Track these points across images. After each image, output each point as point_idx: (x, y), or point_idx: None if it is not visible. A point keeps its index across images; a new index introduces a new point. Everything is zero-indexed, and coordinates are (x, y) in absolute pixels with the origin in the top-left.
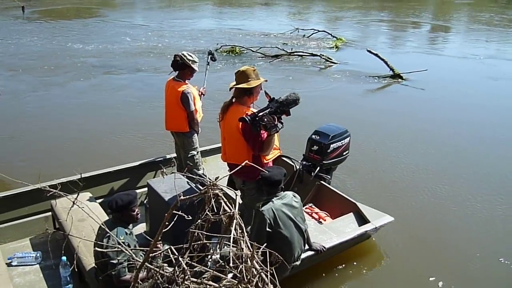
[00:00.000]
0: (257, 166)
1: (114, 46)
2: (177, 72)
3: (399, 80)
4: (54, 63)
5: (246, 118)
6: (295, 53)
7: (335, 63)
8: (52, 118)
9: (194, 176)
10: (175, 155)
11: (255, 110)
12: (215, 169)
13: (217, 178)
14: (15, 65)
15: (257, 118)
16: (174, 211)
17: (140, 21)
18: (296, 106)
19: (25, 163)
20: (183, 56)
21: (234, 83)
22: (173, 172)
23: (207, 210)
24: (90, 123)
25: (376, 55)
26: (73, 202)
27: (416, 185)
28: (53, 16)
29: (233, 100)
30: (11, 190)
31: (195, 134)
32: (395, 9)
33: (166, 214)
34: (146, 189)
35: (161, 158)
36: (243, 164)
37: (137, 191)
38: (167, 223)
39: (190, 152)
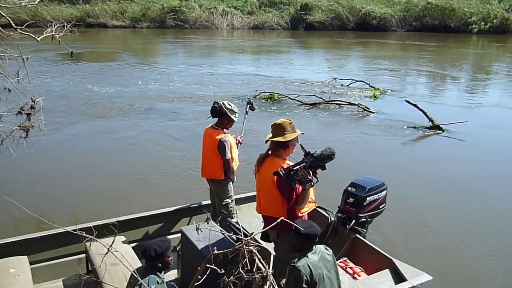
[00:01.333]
0: (291, 222)
1: (154, 90)
2: (215, 119)
3: (438, 131)
4: (94, 104)
5: (281, 172)
6: (333, 102)
7: (373, 112)
8: (90, 160)
9: (228, 225)
10: (209, 202)
11: (290, 164)
12: (250, 218)
13: (252, 234)
14: (59, 106)
15: (292, 172)
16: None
17: (180, 67)
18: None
19: (62, 204)
20: (222, 105)
21: (270, 135)
22: (207, 220)
23: (240, 267)
24: (128, 166)
25: (415, 105)
26: (108, 249)
27: (456, 241)
28: (98, 60)
29: (269, 153)
30: (47, 230)
31: (231, 183)
32: (434, 59)
33: (199, 268)
34: (179, 235)
35: (196, 205)
36: (278, 221)
37: (170, 237)
38: (199, 276)
39: (225, 200)
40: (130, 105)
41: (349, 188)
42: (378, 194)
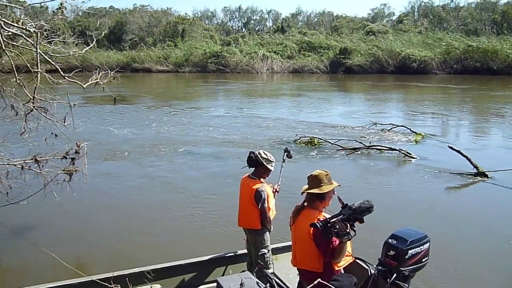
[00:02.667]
0: (328, 284)
1: (194, 134)
2: (252, 169)
3: (484, 178)
4: (135, 148)
5: (318, 224)
6: (374, 147)
7: (414, 158)
8: (129, 204)
9: (265, 276)
10: (245, 251)
11: (327, 216)
12: (287, 269)
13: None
14: (102, 150)
15: (329, 225)
16: None
17: (220, 111)
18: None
19: (98, 249)
20: (258, 155)
21: (306, 187)
22: (243, 271)
23: None
24: (165, 211)
25: (458, 151)
26: None
27: None
28: (142, 104)
29: (305, 204)
30: (82, 278)
31: (267, 232)
32: (476, 102)
33: None
34: (214, 284)
35: (232, 254)
36: (315, 282)
37: (205, 286)
38: None
39: (261, 250)
40: (170, 149)
41: (390, 240)
42: (421, 247)
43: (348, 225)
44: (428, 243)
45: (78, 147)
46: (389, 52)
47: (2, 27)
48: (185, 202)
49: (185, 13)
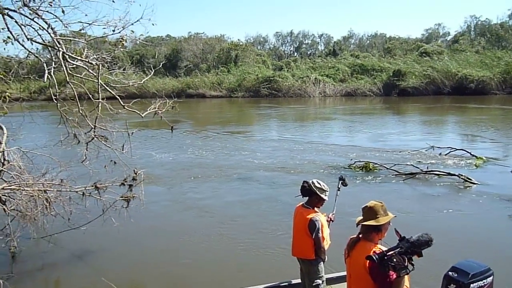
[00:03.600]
0: None
1: (247, 159)
2: (306, 198)
3: None
4: (191, 174)
5: (374, 257)
6: (431, 172)
7: (475, 183)
8: (185, 231)
9: None
10: (299, 281)
11: (384, 248)
12: None
13: None
14: (159, 176)
15: (385, 258)
16: None
17: (273, 135)
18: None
19: (153, 276)
20: (311, 184)
21: (361, 218)
22: None
23: None
24: (218, 239)
25: None
26: None
27: None
28: (196, 129)
29: (360, 236)
30: None
31: (322, 262)
32: None
33: None
34: None
35: (286, 284)
36: None
37: None
38: None
39: (316, 281)
40: (223, 174)
41: (450, 273)
42: (484, 281)
43: (406, 258)
44: (492, 276)
45: (136, 174)
46: (445, 73)
47: (67, 60)
48: (238, 229)
49: (238, 39)
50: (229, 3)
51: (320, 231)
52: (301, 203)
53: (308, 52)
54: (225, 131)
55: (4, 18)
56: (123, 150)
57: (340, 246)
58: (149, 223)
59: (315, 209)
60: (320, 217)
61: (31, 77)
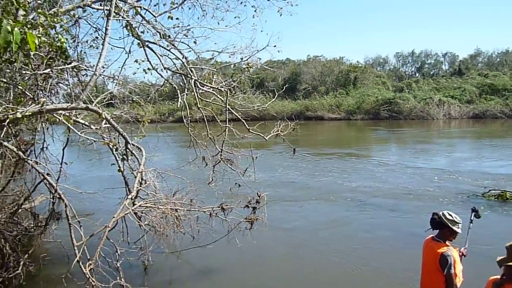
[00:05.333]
0: None
1: (366, 184)
2: (436, 231)
3: None
4: (312, 197)
5: None
6: None
7: None
8: (303, 257)
9: None
10: None
11: None
12: None
13: None
14: (282, 199)
15: None
16: None
17: (393, 159)
18: None
19: None
20: (442, 216)
21: (504, 257)
22: None
23: None
24: (338, 268)
25: None
26: None
27: None
28: (315, 151)
29: (504, 278)
30: None
31: None
32: None
33: None
34: None
35: None
36: None
37: None
38: None
39: None
40: (341, 197)
41: None
42: None
43: None
44: None
45: (259, 196)
46: None
47: (198, 86)
48: (359, 259)
49: (357, 61)
50: (348, 26)
51: (452, 267)
52: (431, 236)
53: (431, 72)
54: (343, 154)
55: (145, 50)
56: (243, 173)
57: (473, 284)
58: (271, 246)
59: (447, 242)
60: (452, 251)
61: (164, 102)
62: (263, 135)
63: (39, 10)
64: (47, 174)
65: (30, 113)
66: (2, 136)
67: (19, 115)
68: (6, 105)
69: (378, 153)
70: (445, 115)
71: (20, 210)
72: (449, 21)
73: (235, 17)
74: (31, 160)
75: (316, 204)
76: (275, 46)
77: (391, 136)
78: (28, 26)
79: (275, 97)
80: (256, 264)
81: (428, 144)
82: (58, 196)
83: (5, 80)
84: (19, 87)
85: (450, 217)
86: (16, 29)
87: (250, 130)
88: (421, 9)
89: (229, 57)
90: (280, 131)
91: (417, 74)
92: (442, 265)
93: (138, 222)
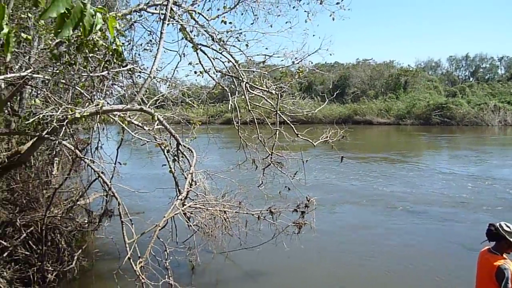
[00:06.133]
0: None
1: (417, 191)
2: (492, 242)
3: None
4: (360, 203)
5: None
6: None
7: None
8: (350, 266)
9: None
10: None
11: None
12: None
13: None
14: (330, 203)
15: None
16: None
17: (444, 167)
18: None
19: None
20: (499, 227)
21: None
22: None
23: None
24: (388, 278)
25: None
26: None
27: None
28: (364, 156)
29: None
30: None
31: None
32: None
33: None
34: None
35: None
36: None
37: None
38: None
39: None
40: (389, 204)
41: None
42: None
43: None
44: None
45: (308, 201)
46: None
47: (248, 90)
48: (407, 269)
49: (408, 65)
50: (399, 29)
51: (509, 281)
52: (487, 248)
53: (486, 77)
54: (391, 160)
55: (197, 53)
56: (293, 177)
57: None
58: (318, 251)
59: (504, 255)
60: (509, 264)
61: (214, 104)
62: (311, 141)
63: None
64: (102, 173)
65: (88, 114)
66: (61, 135)
67: (77, 115)
68: (66, 106)
69: (429, 160)
70: (501, 122)
71: (75, 206)
72: (506, 24)
73: (286, 22)
74: (87, 159)
75: (365, 209)
76: (327, 49)
77: (443, 143)
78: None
79: (326, 102)
80: (303, 269)
81: (483, 152)
82: (111, 194)
83: (64, 81)
84: (78, 88)
85: (508, 229)
86: (98, 14)
87: (298, 135)
88: (476, 11)
89: (281, 61)
90: (329, 137)
91: (471, 79)
92: (499, 279)
93: (187, 223)
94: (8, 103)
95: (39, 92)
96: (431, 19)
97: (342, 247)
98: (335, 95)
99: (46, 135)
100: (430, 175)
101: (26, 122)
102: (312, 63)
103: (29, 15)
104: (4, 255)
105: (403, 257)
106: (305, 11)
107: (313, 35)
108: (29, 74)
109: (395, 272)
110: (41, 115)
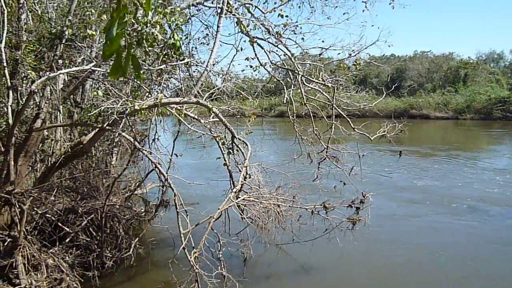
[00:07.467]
0: None
1: (474, 188)
2: None
3: None
4: (415, 200)
5: None
6: None
7: None
8: (404, 265)
9: None
10: None
11: None
12: None
13: None
14: (386, 201)
15: None
16: None
17: (504, 164)
18: None
19: None
20: None
21: None
22: None
23: None
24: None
25: None
26: None
27: None
28: (420, 151)
29: None
30: None
31: None
32: None
33: None
34: None
35: None
36: None
37: None
38: None
39: None
40: (448, 202)
41: None
42: None
43: None
44: None
45: (364, 197)
46: None
47: (304, 83)
48: (469, 272)
49: (468, 57)
50: (459, 20)
51: None
52: None
53: None
54: (449, 156)
55: (253, 47)
56: (349, 173)
57: None
58: (373, 249)
59: None
60: None
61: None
62: (368, 135)
63: (158, 9)
64: (158, 163)
65: (147, 106)
66: (121, 127)
67: (137, 107)
68: (126, 98)
69: (490, 157)
70: None
71: (132, 195)
72: None
73: (344, 13)
74: (145, 150)
75: (421, 208)
76: (385, 41)
77: (505, 139)
78: (148, 25)
79: (383, 95)
80: (355, 266)
81: None
82: (168, 184)
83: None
84: (137, 81)
85: None
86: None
87: (355, 129)
88: None
89: (338, 54)
90: (387, 132)
91: None
92: None
93: (241, 215)
94: (71, 95)
95: (100, 85)
96: (495, 9)
97: (397, 246)
98: (393, 88)
99: (107, 127)
100: (493, 173)
101: (89, 114)
102: (369, 55)
103: (92, 11)
104: (67, 240)
105: (472, 262)
106: (362, 1)
107: (372, 26)
108: (91, 68)
109: (458, 280)
110: (102, 108)
